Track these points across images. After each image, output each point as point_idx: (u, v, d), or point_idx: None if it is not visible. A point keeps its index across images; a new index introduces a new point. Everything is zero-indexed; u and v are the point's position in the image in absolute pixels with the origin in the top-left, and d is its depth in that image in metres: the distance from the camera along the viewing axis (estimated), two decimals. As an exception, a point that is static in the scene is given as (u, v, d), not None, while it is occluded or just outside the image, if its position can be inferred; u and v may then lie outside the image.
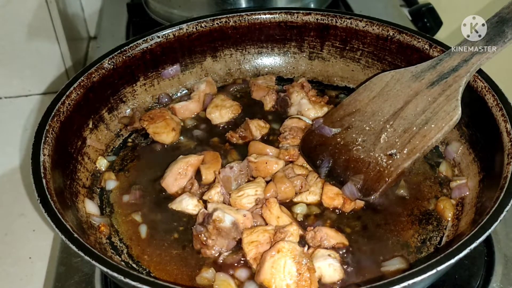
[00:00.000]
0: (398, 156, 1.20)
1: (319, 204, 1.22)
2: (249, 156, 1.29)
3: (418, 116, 1.22)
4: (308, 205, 1.22)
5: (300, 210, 1.21)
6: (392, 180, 1.18)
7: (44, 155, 1.12)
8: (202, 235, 1.11)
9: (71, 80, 1.32)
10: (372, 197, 1.19)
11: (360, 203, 1.21)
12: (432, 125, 1.19)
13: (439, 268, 0.87)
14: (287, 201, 1.23)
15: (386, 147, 1.22)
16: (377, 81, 1.33)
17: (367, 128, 1.27)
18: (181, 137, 1.43)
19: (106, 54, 1.40)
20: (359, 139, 1.27)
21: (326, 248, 1.10)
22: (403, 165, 1.18)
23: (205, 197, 1.22)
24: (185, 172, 1.28)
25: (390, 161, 1.20)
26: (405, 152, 1.20)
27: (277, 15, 1.54)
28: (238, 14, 1.53)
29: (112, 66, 1.40)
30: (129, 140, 1.44)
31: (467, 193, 1.21)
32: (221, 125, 1.46)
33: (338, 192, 1.21)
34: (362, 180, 1.20)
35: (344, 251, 1.11)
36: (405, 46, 1.42)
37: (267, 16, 1.54)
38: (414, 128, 1.21)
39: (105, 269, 0.91)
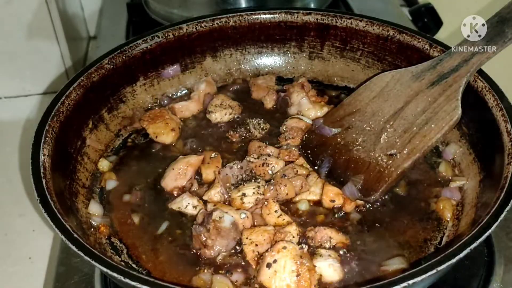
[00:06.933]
0: (398, 156, 1.20)
1: (319, 204, 1.22)
2: (249, 156, 1.29)
3: (418, 116, 1.22)
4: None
5: (303, 206, 1.20)
6: (392, 180, 1.18)
7: (44, 155, 1.12)
8: (202, 235, 1.11)
9: (71, 80, 1.31)
10: (372, 197, 1.18)
11: (360, 203, 1.21)
12: (432, 125, 1.19)
13: (439, 268, 0.87)
14: (287, 201, 1.22)
15: (386, 147, 1.22)
16: (377, 81, 1.33)
17: (367, 128, 1.27)
18: (181, 137, 1.42)
19: (106, 54, 1.40)
20: (359, 139, 1.27)
21: (326, 248, 1.10)
22: (403, 165, 1.18)
23: (205, 197, 1.22)
24: (185, 172, 1.28)
25: (390, 161, 1.20)
26: (405, 152, 1.19)
27: (277, 15, 1.54)
28: (238, 14, 1.53)
29: (112, 66, 1.40)
30: (129, 140, 1.44)
31: (459, 198, 1.21)
32: (221, 125, 1.46)
33: (338, 192, 1.21)
34: (362, 180, 1.20)
35: (344, 251, 1.11)
36: (405, 46, 1.42)
37: (267, 16, 1.54)
38: (414, 128, 1.21)
39: (105, 269, 0.91)
